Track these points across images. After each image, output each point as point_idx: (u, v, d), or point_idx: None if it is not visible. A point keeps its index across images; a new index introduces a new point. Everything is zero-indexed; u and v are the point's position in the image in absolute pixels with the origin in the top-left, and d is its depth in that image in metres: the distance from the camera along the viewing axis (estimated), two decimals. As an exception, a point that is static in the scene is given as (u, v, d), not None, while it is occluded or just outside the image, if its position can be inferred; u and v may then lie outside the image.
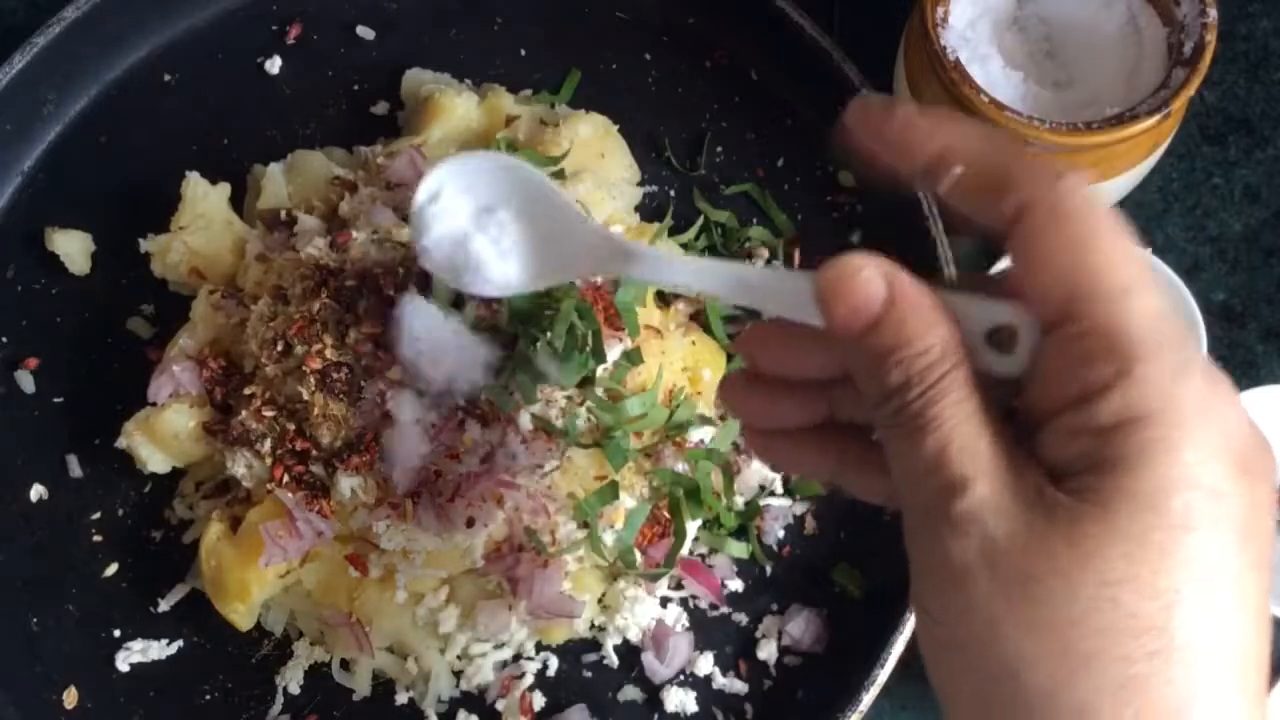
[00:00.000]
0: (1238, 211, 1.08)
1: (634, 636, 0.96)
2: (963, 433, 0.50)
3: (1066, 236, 0.49)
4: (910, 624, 0.91)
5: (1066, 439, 0.49)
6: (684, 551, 0.96)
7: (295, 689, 0.96)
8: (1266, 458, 0.49)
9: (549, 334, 0.89)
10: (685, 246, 1.02)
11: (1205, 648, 0.47)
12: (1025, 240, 0.50)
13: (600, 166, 1.02)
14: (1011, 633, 0.48)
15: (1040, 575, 0.47)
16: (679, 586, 0.97)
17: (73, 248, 1.03)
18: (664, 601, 0.97)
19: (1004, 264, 0.96)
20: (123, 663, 0.96)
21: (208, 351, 0.96)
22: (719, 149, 1.06)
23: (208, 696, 0.96)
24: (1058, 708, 0.48)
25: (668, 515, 0.95)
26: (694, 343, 0.99)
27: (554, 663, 0.96)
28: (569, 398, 0.90)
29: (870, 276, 0.51)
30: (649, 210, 1.05)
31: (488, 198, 0.67)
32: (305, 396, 0.89)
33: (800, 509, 0.99)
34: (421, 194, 0.68)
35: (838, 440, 0.59)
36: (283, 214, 0.99)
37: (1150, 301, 0.49)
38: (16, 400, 1.01)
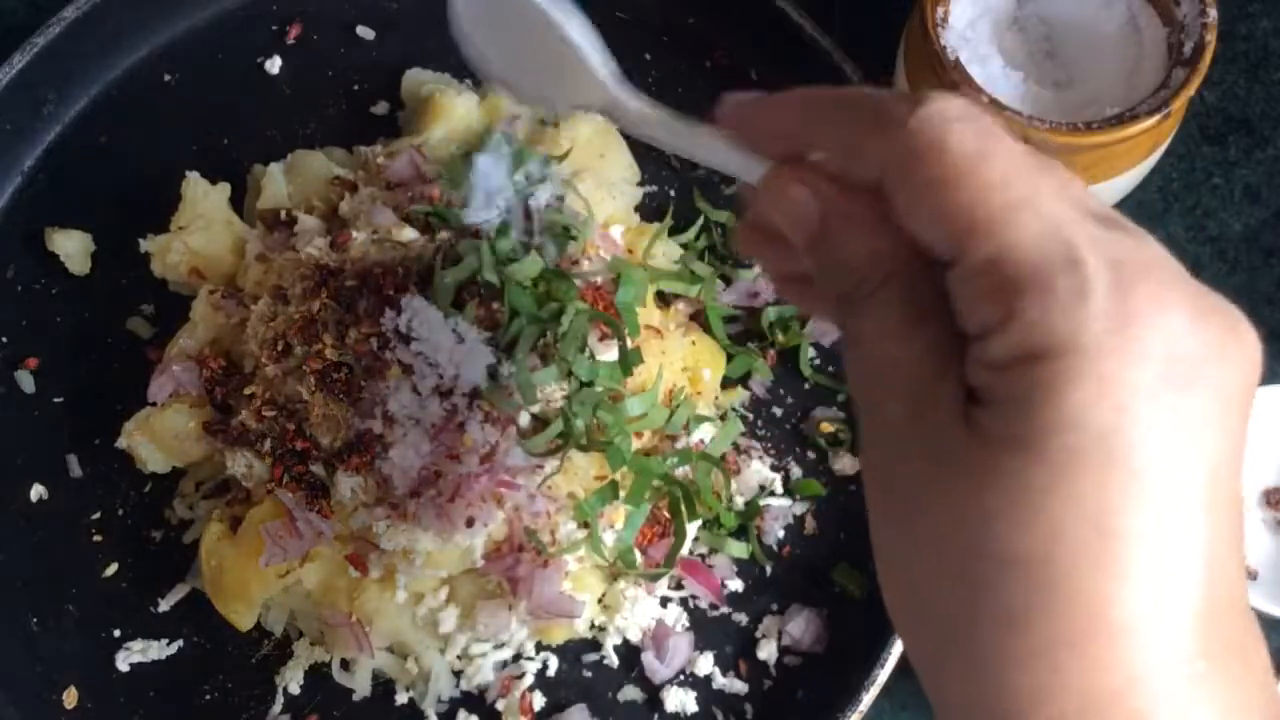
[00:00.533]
0: (1238, 211, 1.08)
1: (634, 636, 0.96)
2: (880, 354, 0.49)
3: (927, 180, 0.46)
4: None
5: (973, 370, 0.47)
6: (684, 551, 0.96)
7: (295, 689, 0.96)
8: (1209, 367, 0.45)
9: (549, 335, 0.89)
10: (685, 247, 1.02)
11: (1087, 600, 0.44)
12: (891, 199, 0.48)
13: (600, 166, 1.02)
14: (883, 546, 0.50)
15: (906, 500, 0.48)
16: (679, 586, 0.97)
17: (73, 248, 1.03)
18: (664, 601, 0.97)
19: None
20: (123, 663, 0.96)
21: (208, 351, 0.96)
22: (719, 149, 1.06)
23: (208, 696, 0.96)
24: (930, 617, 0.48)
25: (668, 515, 0.95)
26: (694, 343, 0.99)
27: (554, 663, 0.96)
28: (568, 398, 0.91)
29: (798, 194, 0.51)
30: (649, 210, 1.04)
31: None
32: (305, 396, 0.89)
33: (800, 509, 0.99)
34: None
35: None
36: (283, 214, 0.99)
37: (1035, 223, 0.45)
38: (16, 400, 1.01)
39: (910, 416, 0.48)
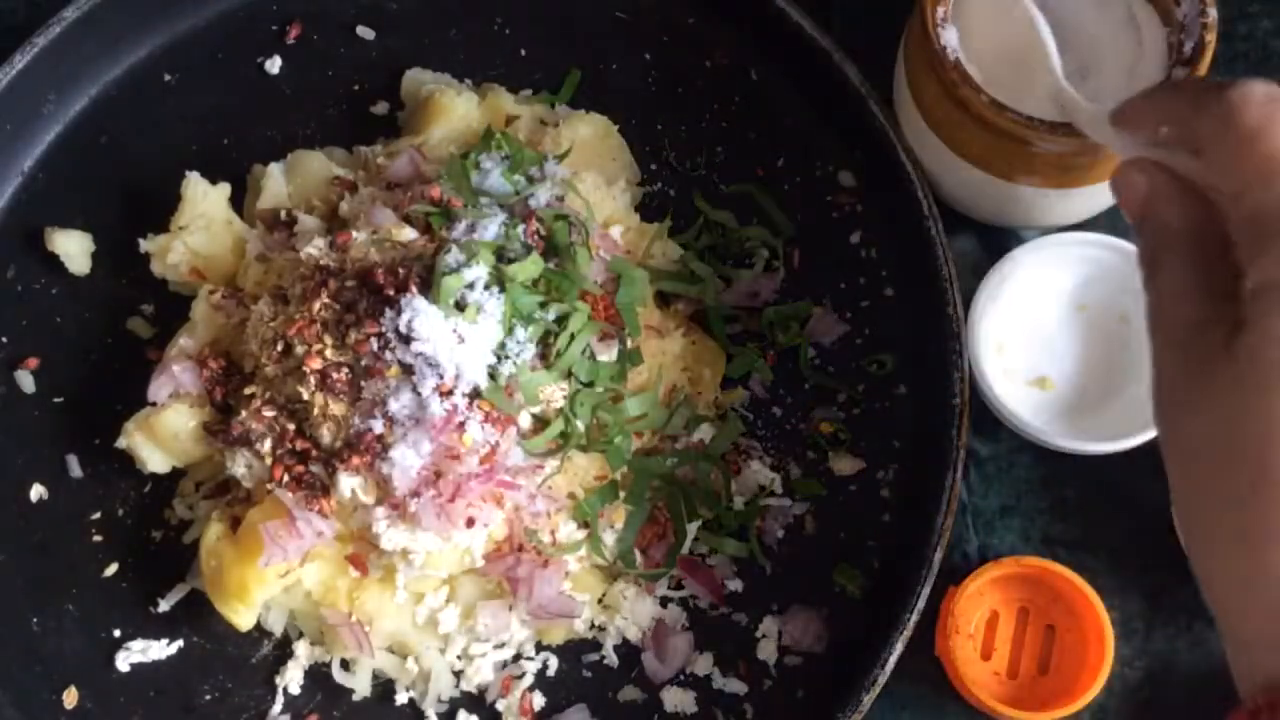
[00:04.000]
0: (1238, 211, 1.08)
1: (634, 636, 0.96)
2: (1170, 284, 0.66)
3: (1229, 145, 0.62)
4: (910, 624, 0.91)
5: (1242, 303, 0.61)
6: (684, 551, 0.96)
7: (295, 689, 0.96)
8: None
9: (549, 335, 0.89)
10: (685, 247, 1.02)
11: None
12: (1204, 161, 0.65)
13: (600, 166, 1.02)
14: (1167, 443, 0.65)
15: (1172, 405, 0.64)
16: (679, 586, 0.97)
17: (73, 248, 1.03)
18: (664, 601, 0.97)
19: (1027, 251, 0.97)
20: (123, 663, 0.96)
21: (208, 351, 0.96)
22: (719, 149, 1.06)
23: (208, 696, 0.96)
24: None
25: (668, 515, 0.95)
26: (694, 343, 0.99)
27: (554, 663, 0.96)
28: (568, 398, 0.90)
29: (1135, 179, 0.69)
30: (649, 210, 1.04)
31: None
32: (305, 396, 0.89)
33: (800, 509, 0.99)
34: None
35: None
36: (283, 214, 0.99)
37: None
38: (16, 400, 1.01)
39: (1165, 342, 0.65)
